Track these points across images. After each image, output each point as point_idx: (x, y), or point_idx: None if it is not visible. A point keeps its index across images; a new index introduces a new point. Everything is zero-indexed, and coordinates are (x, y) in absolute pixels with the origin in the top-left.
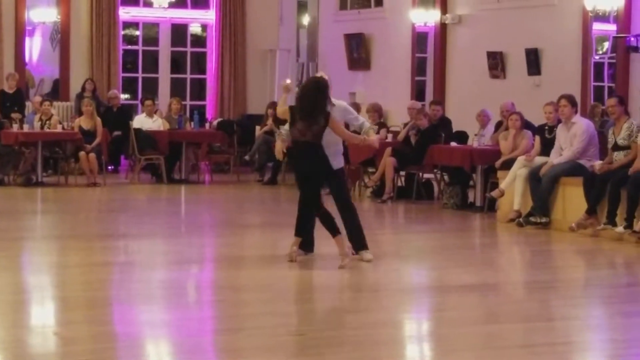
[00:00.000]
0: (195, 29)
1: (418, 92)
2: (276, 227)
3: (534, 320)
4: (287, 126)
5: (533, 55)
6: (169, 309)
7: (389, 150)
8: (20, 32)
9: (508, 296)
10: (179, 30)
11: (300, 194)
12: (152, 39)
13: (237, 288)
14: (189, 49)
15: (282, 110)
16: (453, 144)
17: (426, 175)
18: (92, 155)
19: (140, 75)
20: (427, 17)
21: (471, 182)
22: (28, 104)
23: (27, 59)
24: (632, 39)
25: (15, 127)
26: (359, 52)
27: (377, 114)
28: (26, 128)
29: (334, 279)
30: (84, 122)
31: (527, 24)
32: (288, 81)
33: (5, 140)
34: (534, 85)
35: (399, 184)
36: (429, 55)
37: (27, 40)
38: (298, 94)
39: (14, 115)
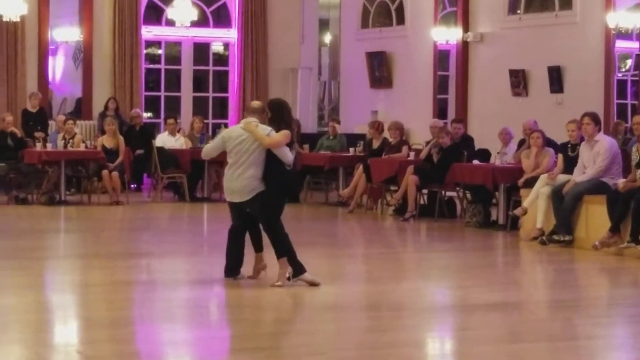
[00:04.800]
0: (217, 47)
1: (440, 110)
2: (297, 246)
3: (557, 339)
4: None
5: (555, 73)
6: (191, 328)
7: (411, 168)
8: (43, 52)
9: (531, 315)
10: (201, 49)
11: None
12: (174, 58)
13: (258, 307)
14: (211, 68)
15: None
16: (475, 162)
17: (448, 194)
18: (115, 173)
19: (162, 93)
20: (449, 35)
21: (494, 200)
22: (51, 122)
23: (50, 78)
24: None
25: (38, 146)
26: (380, 71)
27: (399, 132)
28: (49, 147)
29: (355, 298)
30: (106, 141)
31: (550, 42)
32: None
33: (29, 159)
34: (557, 103)
35: (421, 202)
36: (451, 73)
37: (50, 59)
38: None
39: (37, 134)
